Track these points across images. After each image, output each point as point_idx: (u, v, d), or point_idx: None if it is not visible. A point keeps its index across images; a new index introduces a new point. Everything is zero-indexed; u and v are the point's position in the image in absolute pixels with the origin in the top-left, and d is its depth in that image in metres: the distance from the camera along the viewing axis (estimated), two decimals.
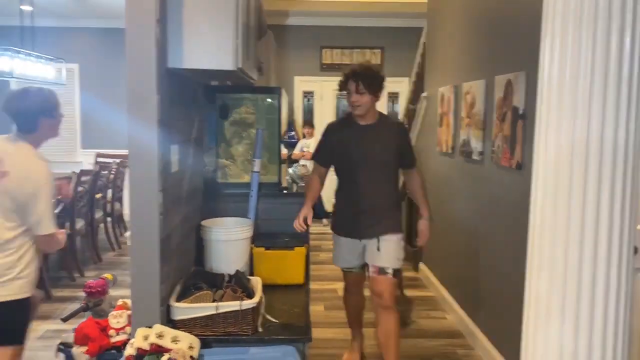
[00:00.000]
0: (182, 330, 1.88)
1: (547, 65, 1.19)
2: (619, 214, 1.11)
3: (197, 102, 2.56)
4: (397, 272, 2.97)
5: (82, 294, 4.48)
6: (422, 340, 3.60)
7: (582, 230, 1.11)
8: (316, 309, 4.03)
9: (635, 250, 2.28)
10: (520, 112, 2.94)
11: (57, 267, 5.17)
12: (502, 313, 3.20)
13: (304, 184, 3.10)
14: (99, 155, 6.71)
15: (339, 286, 4.75)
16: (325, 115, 8.39)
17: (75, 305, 3.28)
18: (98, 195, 5.62)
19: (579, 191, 1.10)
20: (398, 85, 8.35)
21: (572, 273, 1.11)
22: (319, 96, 8.33)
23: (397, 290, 3.12)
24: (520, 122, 2.95)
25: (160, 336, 1.81)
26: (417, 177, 3.13)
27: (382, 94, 2.93)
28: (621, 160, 1.10)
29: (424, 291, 4.74)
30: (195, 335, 1.87)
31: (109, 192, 6.02)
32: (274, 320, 2.08)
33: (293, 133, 7.86)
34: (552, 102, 1.16)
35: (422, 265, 5.23)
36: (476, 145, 3.70)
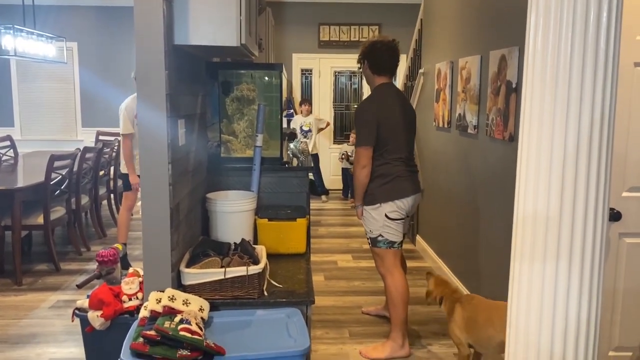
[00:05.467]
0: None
1: (532, 39, 1.29)
2: (594, 176, 1.22)
3: (200, 78, 2.63)
4: (375, 243, 3.10)
5: (89, 266, 4.61)
6: (418, 307, 3.75)
7: (562, 188, 1.22)
8: (316, 279, 4.15)
9: (619, 216, 2.41)
10: (514, 85, 3.03)
11: (64, 241, 5.31)
12: (494, 281, 3.34)
13: (304, 159, 3.16)
14: (99, 133, 6.76)
15: (338, 258, 4.90)
16: (323, 92, 8.43)
17: (86, 276, 3.42)
18: (101, 173, 5.71)
19: (559, 156, 1.20)
20: None
21: (553, 224, 1.22)
22: (317, 73, 8.36)
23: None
24: (513, 96, 3.04)
25: (172, 299, 1.90)
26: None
27: (367, 64, 3.17)
28: (597, 129, 1.21)
29: (421, 262, 4.88)
30: (205, 299, 1.96)
31: (112, 169, 6.09)
32: (278, 285, 2.18)
33: (292, 111, 7.89)
34: (536, 74, 1.26)
35: (418, 237, 5.36)
36: (471, 119, 3.79)
